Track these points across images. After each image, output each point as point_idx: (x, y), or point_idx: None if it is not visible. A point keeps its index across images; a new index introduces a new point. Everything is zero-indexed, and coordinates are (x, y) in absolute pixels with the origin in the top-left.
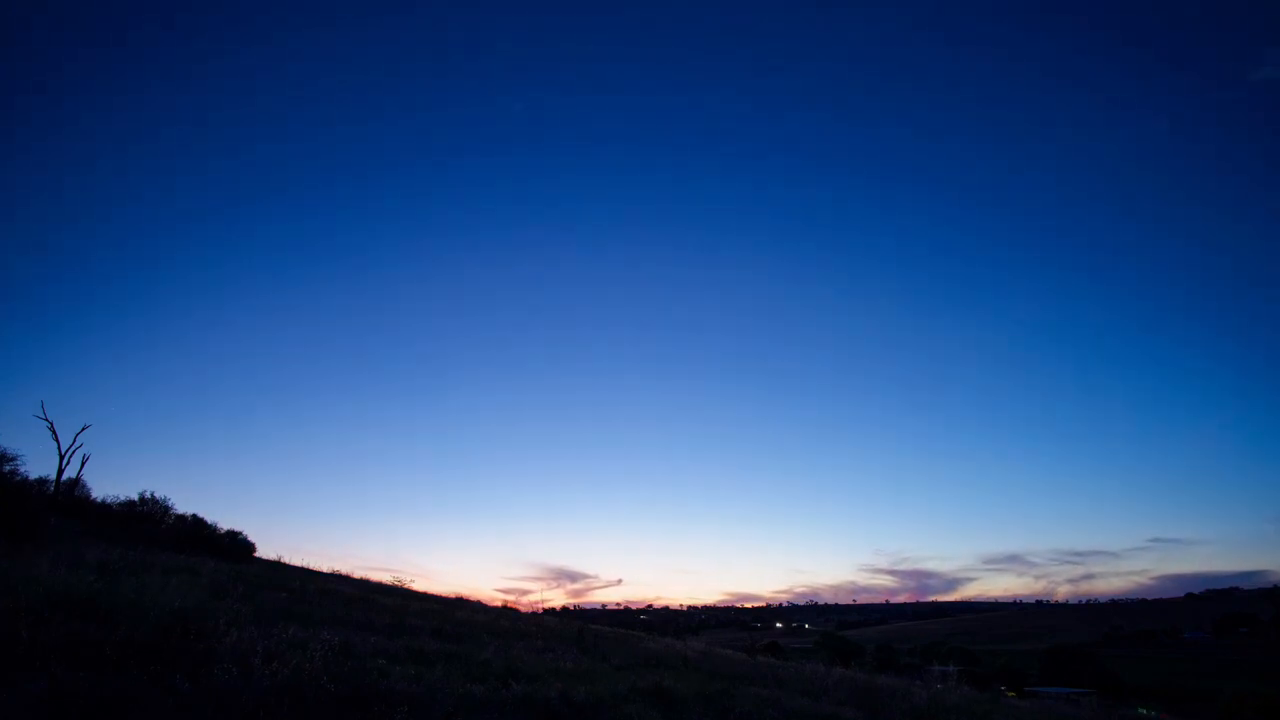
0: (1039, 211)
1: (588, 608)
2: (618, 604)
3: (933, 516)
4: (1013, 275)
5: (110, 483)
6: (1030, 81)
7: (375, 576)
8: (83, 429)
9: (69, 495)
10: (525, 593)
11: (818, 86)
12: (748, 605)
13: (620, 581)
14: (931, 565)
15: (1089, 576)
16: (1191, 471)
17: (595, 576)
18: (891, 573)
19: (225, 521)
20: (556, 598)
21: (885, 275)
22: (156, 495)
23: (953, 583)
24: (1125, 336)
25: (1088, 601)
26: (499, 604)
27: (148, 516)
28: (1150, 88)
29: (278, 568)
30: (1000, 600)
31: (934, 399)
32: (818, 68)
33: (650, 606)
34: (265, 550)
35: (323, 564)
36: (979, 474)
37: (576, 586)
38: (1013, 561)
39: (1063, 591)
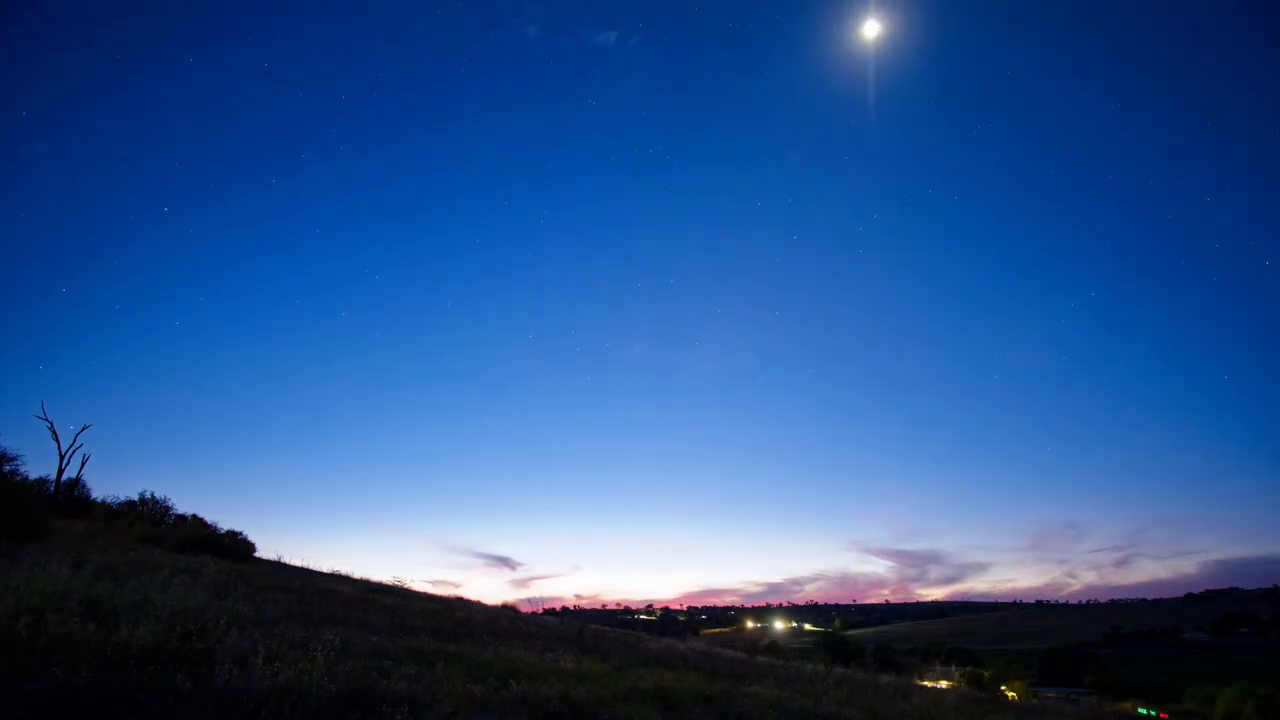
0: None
1: (587, 608)
2: (618, 604)
3: (957, 486)
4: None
5: (110, 483)
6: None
7: (375, 576)
8: (83, 429)
9: (69, 495)
10: (458, 585)
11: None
12: (746, 605)
13: (577, 567)
14: (944, 544)
15: (1122, 563)
16: None
17: (527, 564)
18: (890, 554)
19: (226, 521)
20: (501, 587)
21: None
22: (157, 495)
23: (961, 570)
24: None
25: (1088, 601)
26: (499, 604)
27: (148, 516)
28: (1150, 87)
29: (278, 567)
30: (1001, 600)
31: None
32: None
33: (650, 606)
34: (265, 550)
35: (322, 564)
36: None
37: (519, 576)
38: (1066, 529)
39: (1086, 579)
